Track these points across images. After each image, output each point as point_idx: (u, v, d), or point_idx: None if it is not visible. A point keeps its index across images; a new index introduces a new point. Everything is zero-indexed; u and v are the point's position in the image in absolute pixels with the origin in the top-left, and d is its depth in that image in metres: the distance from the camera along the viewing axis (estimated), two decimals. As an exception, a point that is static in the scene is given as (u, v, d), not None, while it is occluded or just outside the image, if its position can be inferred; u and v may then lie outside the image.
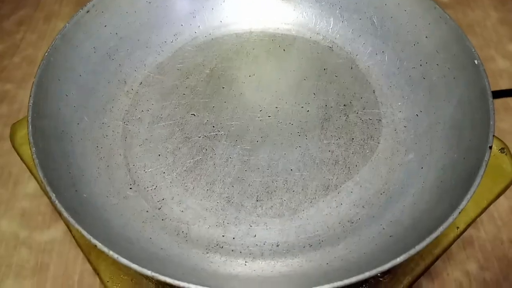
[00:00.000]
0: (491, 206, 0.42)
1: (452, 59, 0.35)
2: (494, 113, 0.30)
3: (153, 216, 0.32)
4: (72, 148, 0.33)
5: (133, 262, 0.25)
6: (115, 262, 0.32)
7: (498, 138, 0.38)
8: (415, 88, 0.38)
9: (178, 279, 0.24)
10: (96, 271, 0.33)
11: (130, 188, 0.34)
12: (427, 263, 0.34)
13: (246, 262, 0.30)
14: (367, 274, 0.24)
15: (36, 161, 0.28)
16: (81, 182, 0.31)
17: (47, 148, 0.30)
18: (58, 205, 0.26)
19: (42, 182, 0.27)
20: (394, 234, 0.29)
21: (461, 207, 0.26)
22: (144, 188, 0.34)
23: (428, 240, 0.25)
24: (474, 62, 0.33)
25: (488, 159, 0.28)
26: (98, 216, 0.30)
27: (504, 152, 0.37)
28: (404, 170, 0.34)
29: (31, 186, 0.48)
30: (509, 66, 0.60)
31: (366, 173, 0.35)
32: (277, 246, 0.31)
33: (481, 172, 0.27)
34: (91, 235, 0.25)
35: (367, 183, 0.34)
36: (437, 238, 0.25)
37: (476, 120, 0.31)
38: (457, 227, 0.35)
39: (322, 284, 0.23)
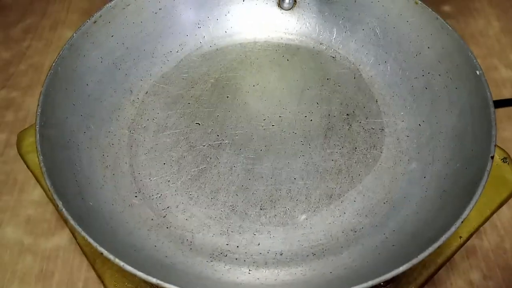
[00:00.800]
0: (494, 215, 0.42)
1: (454, 70, 0.35)
2: (495, 124, 0.30)
3: (158, 224, 0.33)
4: (79, 157, 0.33)
5: (139, 270, 0.25)
6: (120, 270, 0.32)
7: (500, 148, 0.38)
8: (417, 98, 0.38)
9: (183, 287, 0.24)
10: (100, 279, 0.33)
11: (136, 196, 0.34)
12: (430, 272, 0.34)
13: (250, 270, 0.31)
14: (370, 283, 0.24)
15: (44, 169, 0.29)
16: (87, 190, 0.32)
17: (54, 156, 0.31)
18: (65, 213, 0.27)
19: (49, 190, 0.28)
20: (397, 243, 0.30)
21: (463, 216, 0.26)
22: (149, 196, 0.34)
23: (430, 250, 0.25)
24: (476, 73, 0.33)
25: (490, 169, 0.28)
26: (104, 223, 0.30)
27: (506, 161, 0.38)
28: (407, 180, 0.35)
29: (37, 193, 0.48)
30: (512, 75, 0.60)
31: (369, 182, 0.35)
32: (281, 254, 0.32)
33: (483, 182, 0.28)
34: (97, 242, 0.26)
35: (370, 192, 0.34)
36: (439, 247, 0.25)
37: (478, 130, 0.31)
38: (460, 236, 0.35)
39: (326, 292, 0.24)
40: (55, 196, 0.27)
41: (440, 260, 0.34)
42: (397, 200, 0.34)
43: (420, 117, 0.37)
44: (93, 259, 0.33)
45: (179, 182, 0.35)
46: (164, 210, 0.34)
